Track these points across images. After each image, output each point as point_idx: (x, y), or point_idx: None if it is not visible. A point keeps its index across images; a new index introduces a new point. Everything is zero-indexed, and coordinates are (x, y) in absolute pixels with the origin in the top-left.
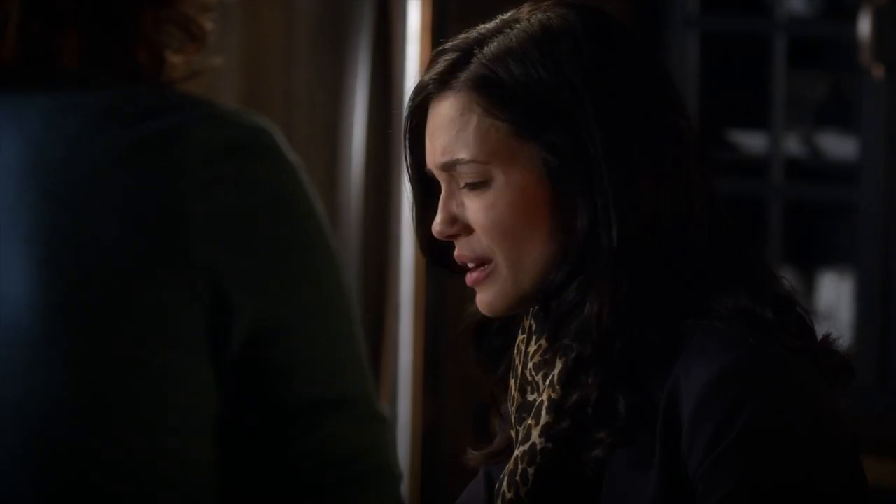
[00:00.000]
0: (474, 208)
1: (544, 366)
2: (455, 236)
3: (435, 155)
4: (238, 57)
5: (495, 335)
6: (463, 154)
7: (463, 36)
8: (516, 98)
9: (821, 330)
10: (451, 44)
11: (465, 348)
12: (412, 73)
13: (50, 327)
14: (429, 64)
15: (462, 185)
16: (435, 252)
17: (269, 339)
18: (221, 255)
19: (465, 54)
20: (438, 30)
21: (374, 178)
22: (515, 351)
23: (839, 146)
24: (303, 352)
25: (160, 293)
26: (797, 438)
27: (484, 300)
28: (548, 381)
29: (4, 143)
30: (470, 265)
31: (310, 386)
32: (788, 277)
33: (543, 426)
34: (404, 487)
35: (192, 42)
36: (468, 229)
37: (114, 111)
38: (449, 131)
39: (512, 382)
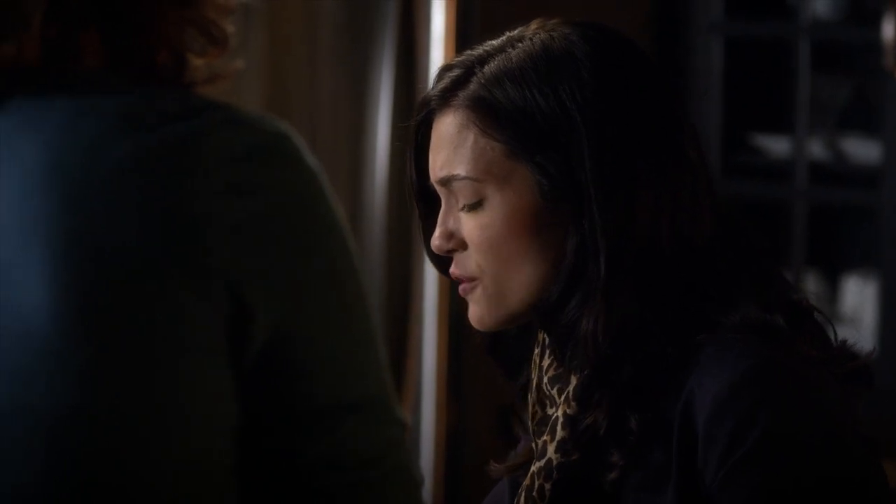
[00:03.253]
0: (470, 226)
1: (558, 380)
2: (452, 251)
3: (435, 170)
4: (262, 61)
5: (513, 343)
6: (459, 170)
7: (468, 52)
8: (511, 120)
9: (842, 334)
10: (455, 60)
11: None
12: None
13: (68, 333)
14: (435, 79)
15: (459, 203)
16: (442, 262)
17: (288, 342)
18: (240, 259)
19: (467, 72)
20: (462, 33)
21: (397, 183)
22: (532, 364)
23: (863, 150)
24: (321, 355)
25: (178, 298)
26: (811, 448)
27: (474, 315)
28: (563, 397)
29: (24, 147)
30: (462, 283)
31: (328, 389)
32: (812, 281)
33: (559, 442)
34: (428, 492)
35: (214, 45)
36: (464, 245)
37: (134, 115)
38: (448, 147)
39: (530, 396)
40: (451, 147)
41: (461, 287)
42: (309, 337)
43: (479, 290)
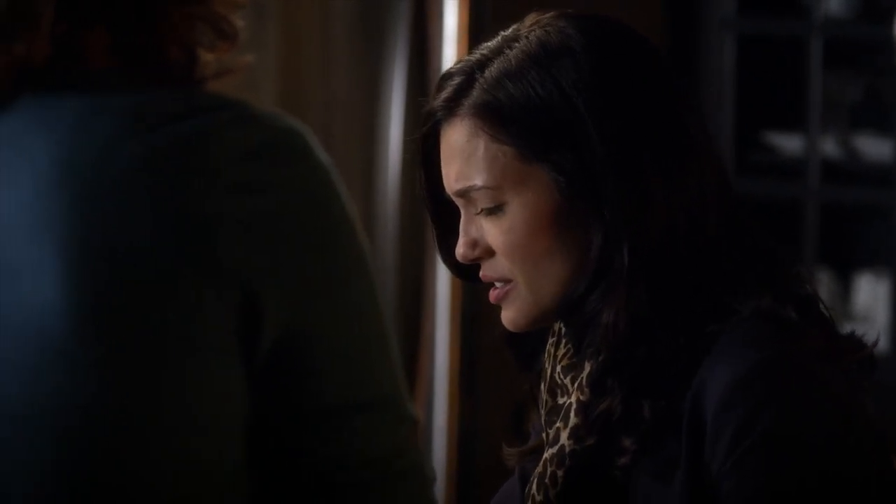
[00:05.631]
0: (493, 233)
1: (572, 369)
2: (478, 259)
3: (450, 182)
4: (275, 59)
5: (530, 337)
6: (476, 181)
7: (467, 58)
8: (518, 121)
9: (853, 330)
10: (455, 67)
11: (501, 351)
12: None
13: (79, 332)
14: (436, 88)
15: (479, 210)
16: (462, 269)
17: (298, 340)
18: (250, 257)
19: (468, 78)
20: (475, 30)
21: (410, 180)
22: (546, 354)
23: (875, 148)
24: (331, 353)
25: (190, 297)
26: (819, 441)
27: (507, 317)
28: (576, 384)
29: (35, 146)
30: (496, 284)
31: (338, 388)
32: (824, 280)
33: (572, 428)
34: (441, 490)
35: (224, 40)
36: (490, 252)
37: (145, 113)
38: (460, 158)
39: (542, 386)
40: (464, 157)
41: (493, 294)
42: (319, 335)
43: (513, 294)
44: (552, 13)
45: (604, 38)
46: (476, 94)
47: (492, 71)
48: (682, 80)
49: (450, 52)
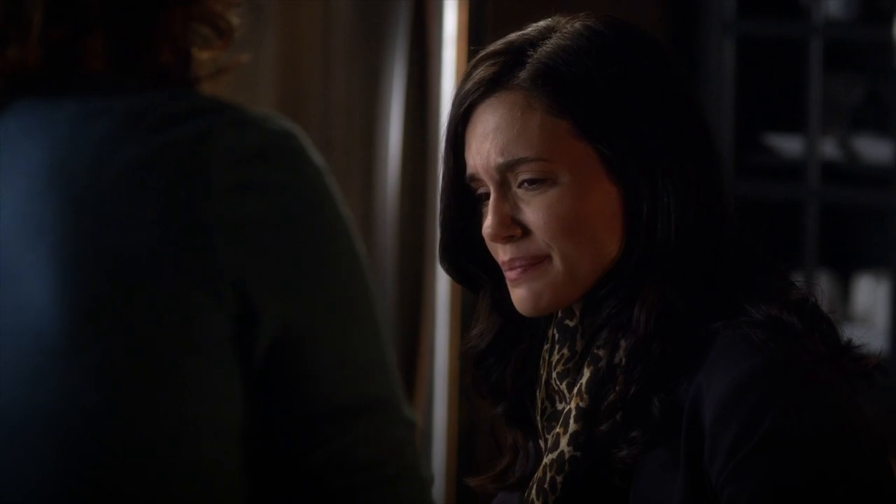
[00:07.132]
0: (537, 207)
1: (567, 375)
2: (509, 237)
3: (490, 157)
4: (275, 59)
5: (492, 369)
6: (527, 153)
7: (504, 41)
8: (579, 95)
9: (854, 334)
10: (494, 49)
11: None
12: (449, 76)
13: (76, 335)
14: (471, 70)
15: (520, 184)
16: (459, 266)
17: (295, 344)
18: (246, 260)
19: (517, 55)
20: (475, 32)
21: (410, 182)
22: (541, 360)
23: (875, 149)
24: (328, 357)
25: (185, 299)
26: (818, 443)
27: (532, 293)
28: (575, 390)
29: (31, 149)
30: (520, 266)
31: (336, 391)
32: (824, 281)
33: (572, 434)
34: (440, 492)
35: (220, 38)
36: (524, 229)
37: (141, 116)
38: (508, 131)
39: (538, 392)
40: (513, 130)
41: (518, 271)
42: (315, 337)
43: (544, 269)
44: (583, 14)
45: (637, 38)
46: (533, 67)
47: (547, 49)
48: (695, 89)
49: (450, 54)
